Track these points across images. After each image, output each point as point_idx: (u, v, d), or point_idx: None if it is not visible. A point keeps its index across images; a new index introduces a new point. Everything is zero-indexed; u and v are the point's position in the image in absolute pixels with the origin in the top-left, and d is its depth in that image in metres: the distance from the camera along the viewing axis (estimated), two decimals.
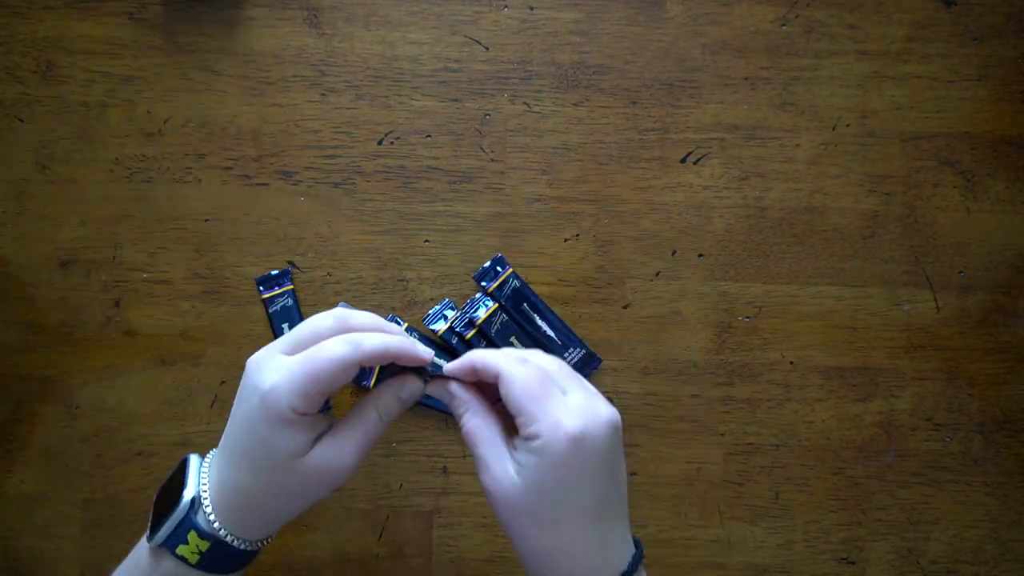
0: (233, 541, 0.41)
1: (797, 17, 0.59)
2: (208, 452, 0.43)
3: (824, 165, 0.59)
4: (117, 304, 0.58)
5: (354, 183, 0.59)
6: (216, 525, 0.40)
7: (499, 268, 0.58)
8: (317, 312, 0.42)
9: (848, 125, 0.59)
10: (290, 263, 0.58)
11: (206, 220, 0.58)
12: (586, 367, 0.57)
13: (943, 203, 0.59)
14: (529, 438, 0.38)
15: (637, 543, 0.41)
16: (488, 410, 0.42)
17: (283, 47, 0.59)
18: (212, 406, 0.58)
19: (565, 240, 0.59)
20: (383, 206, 0.59)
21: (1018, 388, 0.59)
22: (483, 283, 0.57)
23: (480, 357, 0.41)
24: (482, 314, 0.57)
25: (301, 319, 0.57)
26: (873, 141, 0.59)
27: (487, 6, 0.59)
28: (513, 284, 0.57)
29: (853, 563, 0.58)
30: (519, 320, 0.57)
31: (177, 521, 0.41)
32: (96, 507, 0.57)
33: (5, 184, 0.58)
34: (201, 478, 0.42)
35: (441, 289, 0.58)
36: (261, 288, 0.58)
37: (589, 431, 0.38)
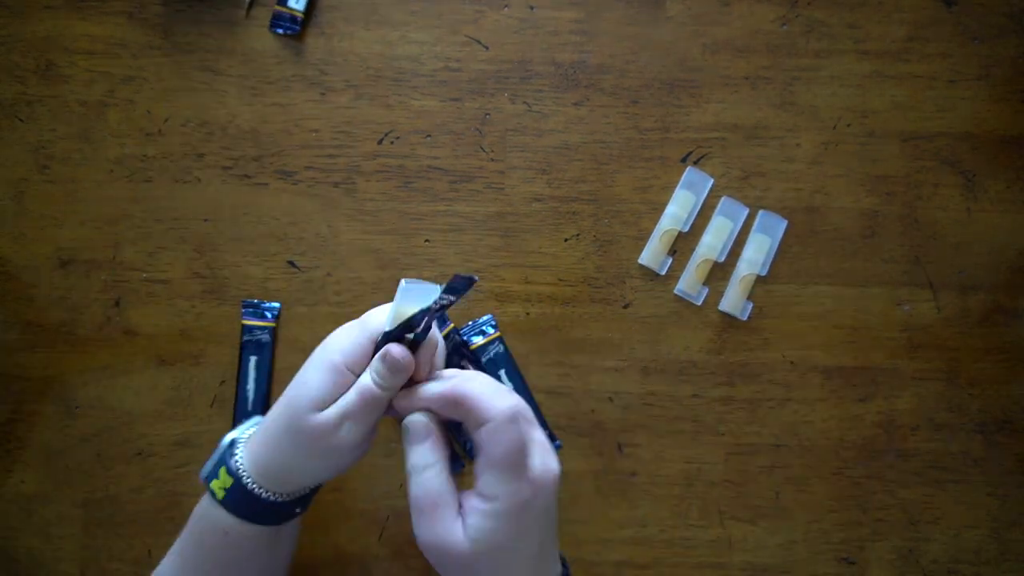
0: (251, 484, 0.43)
1: (797, 17, 0.59)
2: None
3: (824, 165, 0.59)
4: (117, 304, 0.58)
5: (354, 183, 0.59)
6: (239, 465, 0.43)
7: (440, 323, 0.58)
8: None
9: (848, 125, 0.59)
10: (290, 263, 0.58)
11: (206, 220, 0.58)
12: None
13: (943, 203, 0.59)
14: (489, 498, 0.39)
15: (563, 561, 0.44)
16: (447, 468, 0.41)
17: (283, 47, 0.59)
18: (212, 406, 0.58)
19: (565, 240, 0.59)
20: (383, 206, 0.59)
21: (1018, 388, 0.59)
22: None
23: (470, 396, 0.40)
24: (479, 340, 0.57)
25: (272, 359, 0.57)
26: (873, 141, 0.59)
27: (487, 6, 0.59)
28: (455, 339, 0.57)
29: (853, 563, 0.58)
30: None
31: (216, 457, 0.45)
32: (96, 507, 0.57)
33: (5, 184, 0.58)
34: (248, 428, 0.46)
35: None
36: (245, 311, 0.58)
37: (540, 493, 0.39)
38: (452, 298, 0.39)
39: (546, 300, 0.58)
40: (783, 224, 0.58)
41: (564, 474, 0.58)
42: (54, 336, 0.58)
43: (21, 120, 0.58)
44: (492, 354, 0.57)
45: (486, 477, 0.39)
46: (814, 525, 0.58)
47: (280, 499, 0.43)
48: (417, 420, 0.42)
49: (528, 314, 0.58)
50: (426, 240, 0.59)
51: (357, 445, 0.42)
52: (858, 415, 0.58)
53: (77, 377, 0.58)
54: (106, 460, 0.58)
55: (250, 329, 0.57)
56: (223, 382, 0.58)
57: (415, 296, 0.40)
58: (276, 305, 0.58)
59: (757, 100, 0.59)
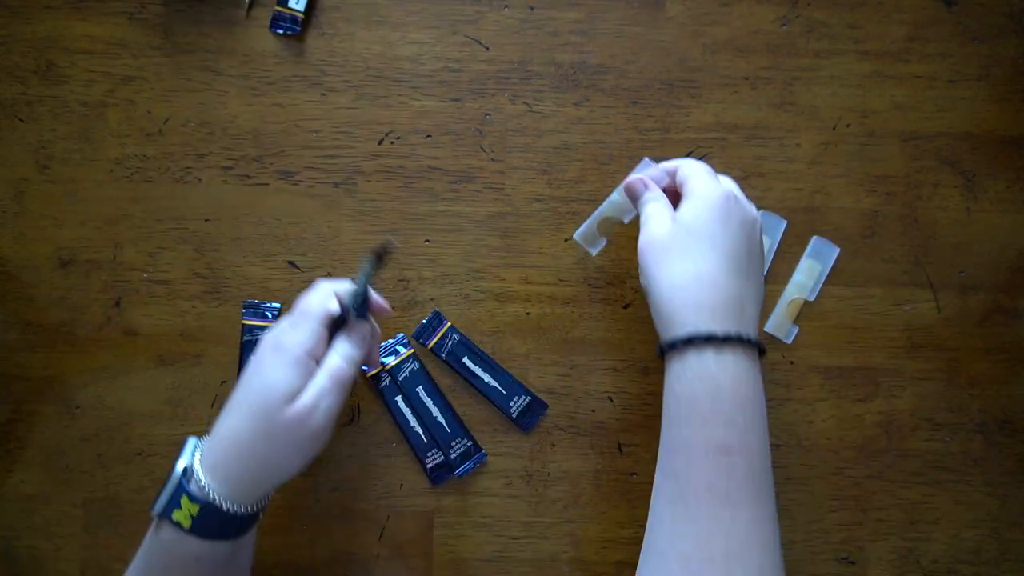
0: (222, 503, 0.43)
1: (797, 17, 0.59)
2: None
3: (824, 165, 0.59)
4: (117, 304, 0.58)
5: (354, 183, 0.59)
6: (206, 489, 0.43)
7: (436, 324, 0.58)
8: None
9: (848, 125, 0.59)
10: (290, 263, 0.58)
11: (206, 220, 0.58)
12: (532, 414, 0.57)
13: (943, 203, 0.59)
14: (689, 197, 0.47)
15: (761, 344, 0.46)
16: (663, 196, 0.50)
17: (283, 47, 0.59)
18: (212, 406, 0.58)
19: (565, 240, 0.59)
20: (383, 206, 0.59)
21: (1018, 388, 0.59)
22: (421, 340, 0.57)
23: (672, 164, 0.51)
24: (390, 360, 0.57)
25: None
26: (873, 141, 0.59)
27: (487, 6, 0.59)
28: (453, 338, 0.57)
29: (853, 563, 0.58)
30: (462, 374, 0.57)
31: (172, 489, 0.44)
32: (96, 507, 0.57)
33: (5, 184, 0.58)
34: (196, 452, 0.45)
35: (441, 289, 0.58)
36: (246, 311, 0.58)
37: (738, 199, 0.47)
38: (378, 267, 0.48)
39: (546, 300, 0.58)
40: (783, 224, 0.58)
41: (564, 474, 0.58)
42: (54, 336, 0.58)
43: (21, 120, 0.58)
44: (407, 372, 0.57)
45: (687, 186, 0.48)
46: (814, 525, 0.58)
47: (249, 510, 0.44)
48: (633, 179, 0.51)
49: (528, 314, 0.58)
50: (426, 240, 0.59)
51: (330, 426, 0.45)
52: (858, 415, 0.58)
53: (77, 377, 0.58)
54: (106, 460, 0.58)
55: (251, 329, 0.57)
56: (223, 382, 0.58)
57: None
58: (277, 305, 0.58)
59: (757, 100, 0.59)
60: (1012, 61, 0.59)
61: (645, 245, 0.47)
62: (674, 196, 0.49)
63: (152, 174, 0.58)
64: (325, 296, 0.47)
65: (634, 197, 0.51)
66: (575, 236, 0.57)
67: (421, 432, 0.57)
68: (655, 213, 0.48)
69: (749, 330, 0.44)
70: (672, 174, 0.50)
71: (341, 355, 0.46)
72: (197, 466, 0.44)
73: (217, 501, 0.43)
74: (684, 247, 0.45)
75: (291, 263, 0.58)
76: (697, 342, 0.43)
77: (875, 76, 0.59)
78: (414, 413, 0.57)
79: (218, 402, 0.58)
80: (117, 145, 0.58)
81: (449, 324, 0.58)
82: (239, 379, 0.46)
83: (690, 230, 0.45)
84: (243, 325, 0.57)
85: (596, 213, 0.57)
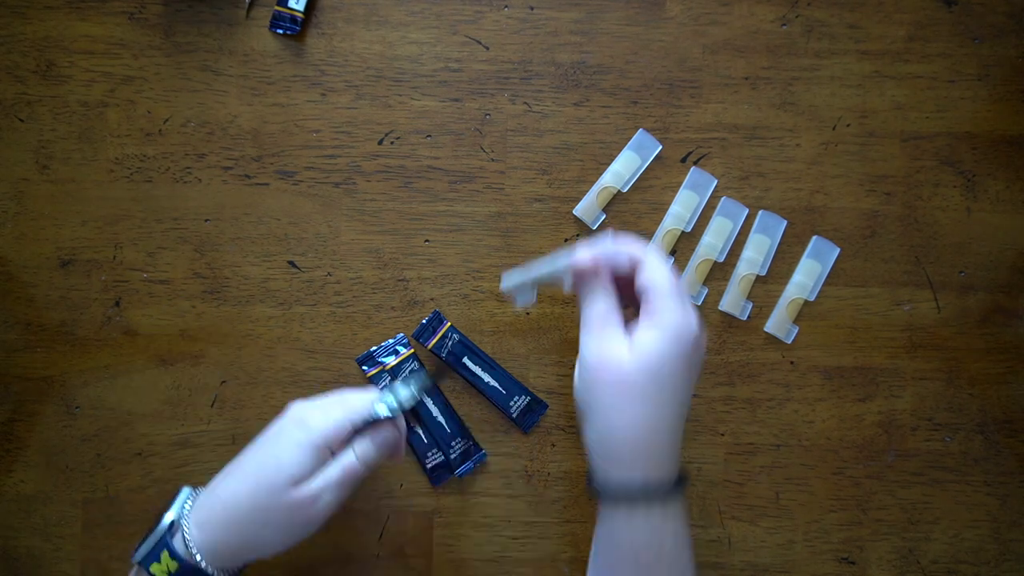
0: (203, 564, 0.43)
1: (798, 17, 0.59)
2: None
3: (824, 165, 0.59)
4: (117, 304, 0.58)
5: (354, 183, 0.59)
6: (190, 544, 0.43)
7: (436, 324, 0.58)
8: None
9: (848, 125, 0.59)
10: (290, 263, 0.58)
11: (206, 220, 0.58)
12: (532, 414, 0.57)
13: (943, 203, 0.59)
14: (659, 325, 0.41)
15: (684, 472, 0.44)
16: (613, 294, 0.44)
17: (283, 47, 0.59)
18: (212, 406, 0.58)
19: (565, 240, 0.59)
20: (383, 206, 0.59)
21: (1018, 388, 0.59)
22: (421, 340, 0.57)
23: (626, 248, 0.44)
24: (390, 360, 0.57)
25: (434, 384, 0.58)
26: (873, 141, 0.59)
27: (487, 6, 0.59)
28: (453, 338, 0.57)
29: (853, 563, 0.58)
30: (462, 374, 0.57)
31: (154, 541, 0.44)
32: (96, 507, 0.57)
33: (5, 184, 0.58)
34: (185, 505, 0.46)
35: (441, 289, 0.58)
36: (362, 366, 0.58)
37: (702, 337, 0.43)
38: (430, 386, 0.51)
39: (546, 300, 0.58)
40: (783, 224, 0.58)
41: (564, 474, 0.58)
42: (54, 336, 0.58)
43: (21, 120, 0.58)
44: (407, 372, 0.57)
45: (654, 305, 0.42)
46: (814, 525, 0.58)
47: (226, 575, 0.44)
48: (586, 259, 0.44)
49: (528, 314, 0.58)
50: (426, 240, 0.59)
51: (325, 518, 0.45)
52: (858, 415, 0.58)
53: (77, 377, 0.58)
54: (106, 460, 0.58)
55: (378, 378, 0.57)
56: (223, 382, 0.58)
57: (398, 389, 0.49)
58: (389, 342, 0.58)
59: (757, 100, 0.59)
60: (1012, 61, 0.59)
61: (598, 370, 0.42)
62: (627, 284, 0.44)
63: (152, 174, 0.58)
64: (370, 398, 0.47)
65: (579, 280, 0.44)
66: (503, 286, 0.49)
67: (421, 432, 0.57)
68: (603, 323, 0.43)
69: (674, 464, 0.43)
70: (634, 264, 0.44)
71: (359, 453, 0.46)
72: (187, 519, 0.44)
73: (199, 562, 0.43)
74: (646, 392, 0.41)
75: (291, 263, 0.58)
76: (649, 494, 0.42)
77: (875, 76, 0.59)
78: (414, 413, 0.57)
79: (218, 402, 0.58)
80: (117, 145, 0.58)
81: (449, 324, 0.58)
82: (255, 440, 0.46)
83: (655, 374, 0.41)
84: (368, 379, 0.57)
85: (535, 272, 0.47)
